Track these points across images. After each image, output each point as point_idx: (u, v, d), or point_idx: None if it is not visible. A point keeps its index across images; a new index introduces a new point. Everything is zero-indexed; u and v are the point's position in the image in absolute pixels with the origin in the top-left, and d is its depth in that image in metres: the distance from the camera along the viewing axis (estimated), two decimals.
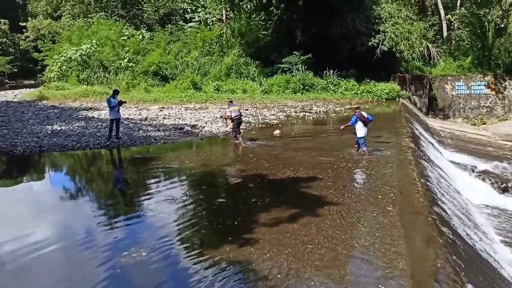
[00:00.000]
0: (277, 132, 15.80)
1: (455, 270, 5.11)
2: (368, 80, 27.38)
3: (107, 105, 14.96)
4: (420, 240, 6.22)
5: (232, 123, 13.78)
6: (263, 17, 32.14)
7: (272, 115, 20.69)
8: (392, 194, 8.29)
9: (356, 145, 12.12)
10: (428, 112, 29.10)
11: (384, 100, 26.08)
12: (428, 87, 28.99)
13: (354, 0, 28.57)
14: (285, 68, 28.14)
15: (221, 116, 14.21)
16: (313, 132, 16.12)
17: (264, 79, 27.99)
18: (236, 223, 7.12)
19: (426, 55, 29.28)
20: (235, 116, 13.78)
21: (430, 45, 28.86)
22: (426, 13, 36.79)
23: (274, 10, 30.78)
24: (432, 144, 17.02)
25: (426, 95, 28.98)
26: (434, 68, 31.26)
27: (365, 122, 11.76)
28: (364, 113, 12.01)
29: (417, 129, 17.69)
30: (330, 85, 27.31)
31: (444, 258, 5.35)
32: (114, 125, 14.32)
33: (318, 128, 17.04)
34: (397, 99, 26.54)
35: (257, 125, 17.78)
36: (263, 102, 25.21)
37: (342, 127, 12.68)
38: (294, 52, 28.20)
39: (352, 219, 7.12)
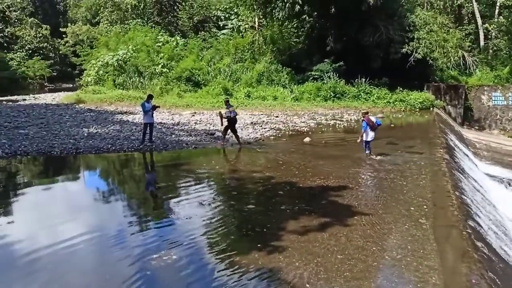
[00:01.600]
0: (307, 139, 15.77)
1: (490, 287, 4.96)
2: (401, 88, 26.93)
3: (141, 110, 15.31)
4: (454, 254, 6.07)
5: (227, 123, 14.65)
6: (296, 24, 32.27)
7: (303, 122, 20.64)
8: (425, 206, 8.13)
9: (366, 149, 12.70)
10: (463, 122, 28.34)
11: (417, 110, 25.58)
12: (463, 97, 28.25)
13: (387, 8, 28.19)
14: (316, 76, 28.04)
15: (219, 114, 14.98)
16: (344, 140, 15.99)
17: (295, 86, 27.99)
18: (265, 230, 7.13)
19: (461, 64, 28.54)
20: (234, 116, 14.61)
21: (466, 54, 28.13)
22: (462, 21, 35.99)
23: (307, 18, 30.76)
24: (467, 155, 16.57)
25: (461, 105, 28.24)
26: (470, 77, 30.44)
27: (373, 127, 12.32)
28: (372, 118, 12.62)
29: (451, 140, 17.27)
30: (361, 93, 27.01)
31: (479, 274, 5.20)
32: (148, 129, 14.65)
33: (349, 137, 16.84)
34: (431, 108, 25.96)
35: (287, 132, 17.78)
36: (293, 109, 25.20)
37: (358, 140, 12.92)
38: (325, 59, 28.08)
39: (383, 230, 7.01)
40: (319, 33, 30.74)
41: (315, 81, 27.82)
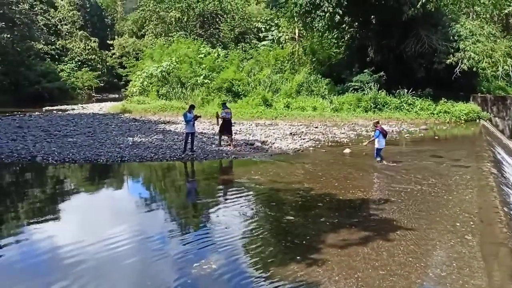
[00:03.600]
0: (347, 151, 15.58)
1: None
2: (445, 99, 26.16)
3: (183, 119, 15.68)
4: (503, 274, 5.81)
5: (222, 124, 16.00)
6: (336, 35, 32.19)
7: (342, 133, 20.43)
8: (471, 222, 7.84)
9: (376, 157, 13.39)
10: None
11: (463, 122, 24.75)
12: None
13: (431, 18, 27.58)
14: (356, 86, 27.73)
15: (216, 115, 16.26)
16: (385, 152, 15.62)
17: (335, 97, 27.78)
18: (304, 242, 7.10)
19: (510, 75, 27.34)
20: (228, 118, 15.90)
21: None
22: (510, 30, 34.60)
23: (347, 28, 30.65)
24: None
25: (509, 117, 26.93)
26: None
27: (385, 135, 13.24)
28: (384, 127, 13.82)
29: (499, 153, 16.54)
30: (404, 104, 26.45)
31: None
32: (189, 139, 14.97)
33: (391, 149, 16.49)
34: (477, 120, 25.04)
35: (326, 143, 17.65)
36: (333, 120, 25.01)
37: (365, 143, 14.50)
38: (366, 70, 27.75)
39: (427, 246, 6.82)
40: (360, 43, 30.53)
41: (355, 92, 27.50)
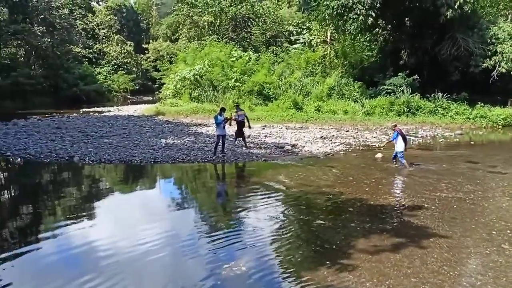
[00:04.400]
0: (378, 155, 15.37)
1: None
2: (481, 104, 25.37)
3: (214, 122, 15.89)
4: None
5: (236, 126, 16.53)
6: (368, 38, 31.79)
7: (374, 137, 20.13)
8: (508, 231, 7.61)
9: (393, 159, 13.55)
10: None
11: (500, 127, 23.92)
12: None
13: (467, 20, 26.84)
14: (389, 90, 27.25)
15: (230, 117, 16.25)
16: (418, 157, 15.32)
17: (367, 100, 27.39)
18: (334, 246, 7.09)
19: None
20: (241, 120, 16.37)
21: None
22: None
23: (380, 31, 30.22)
24: None
25: None
26: None
27: (405, 137, 13.18)
28: (402, 130, 13.74)
29: None
30: (438, 109, 25.78)
31: None
32: (220, 141, 15.16)
33: (424, 154, 16.16)
34: None
35: (357, 147, 17.46)
36: (364, 124, 24.68)
37: (384, 144, 15.15)
38: (400, 73, 27.25)
39: (462, 254, 6.67)
40: (393, 46, 30.06)
41: (388, 95, 27.03)
